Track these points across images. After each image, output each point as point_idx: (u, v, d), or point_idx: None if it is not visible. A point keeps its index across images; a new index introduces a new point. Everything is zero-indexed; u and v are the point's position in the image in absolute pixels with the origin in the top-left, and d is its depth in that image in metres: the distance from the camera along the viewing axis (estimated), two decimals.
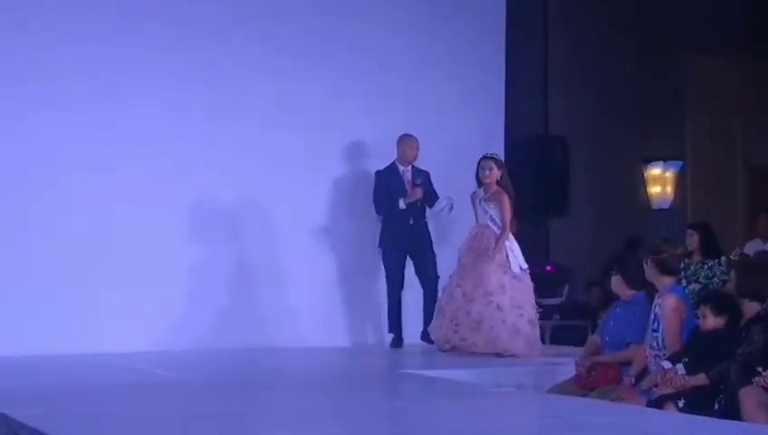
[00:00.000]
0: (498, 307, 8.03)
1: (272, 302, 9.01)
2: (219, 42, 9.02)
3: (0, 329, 8.07)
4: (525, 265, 8.28)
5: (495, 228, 8.24)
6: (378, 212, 9.16)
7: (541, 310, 8.39)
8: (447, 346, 8.24)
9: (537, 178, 10.53)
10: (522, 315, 8.09)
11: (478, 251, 8.21)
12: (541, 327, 9.57)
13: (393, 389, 6.79)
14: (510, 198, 8.27)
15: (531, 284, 8.30)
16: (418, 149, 9.09)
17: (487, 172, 8.30)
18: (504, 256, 8.18)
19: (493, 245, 8.17)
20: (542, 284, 9.87)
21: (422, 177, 9.03)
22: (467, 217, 8.56)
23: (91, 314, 8.37)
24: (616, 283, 6.70)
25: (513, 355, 7.90)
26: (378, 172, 9.14)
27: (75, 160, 8.46)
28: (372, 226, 9.20)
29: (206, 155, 8.86)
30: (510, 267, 8.16)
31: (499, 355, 7.90)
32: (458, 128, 9.41)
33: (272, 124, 9.09)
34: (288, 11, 9.28)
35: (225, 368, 7.75)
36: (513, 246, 8.26)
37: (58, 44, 8.51)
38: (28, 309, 8.23)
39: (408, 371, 7.31)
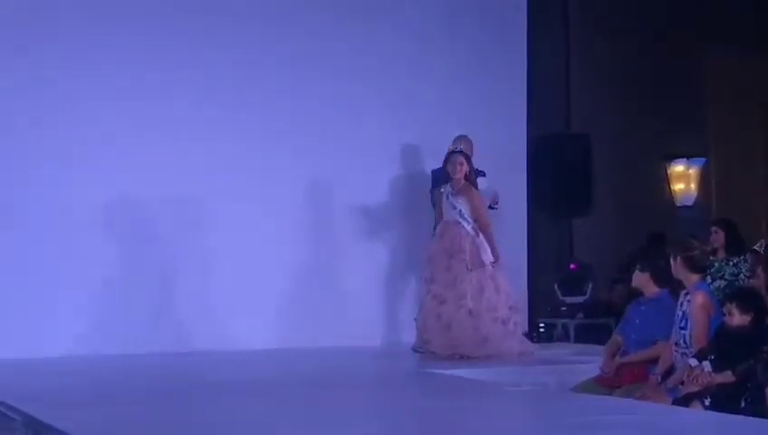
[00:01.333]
0: (470, 313, 7.82)
1: (318, 301, 8.99)
2: (263, 40, 9.08)
3: (24, 331, 8.10)
4: (492, 258, 7.99)
5: (465, 224, 7.98)
6: (434, 206, 9.19)
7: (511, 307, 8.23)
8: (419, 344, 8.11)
9: (560, 177, 10.48)
10: (496, 319, 7.88)
11: (450, 251, 7.95)
12: (565, 326, 9.62)
13: (418, 388, 6.76)
14: (478, 192, 8.10)
15: (504, 275, 8.05)
16: (468, 148, 9.10)
17: (458, 167, 8.07)
18: (476, 254, 7.90)
19: (466, 245, 7.90)
20: (566, 282, 9.88)
21: (478, 176, 9.07)
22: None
23: (117, 315, 8.40)
24: (642, 279, 6.63)
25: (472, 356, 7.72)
26: (433, 171, 9.19)
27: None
28: (423, 225, 9.21)
29: (256, 155, 8.88)
30: (480, 264, 7.89)
31: (460, 357, 7.71)
32: (481, 128, 9.36)
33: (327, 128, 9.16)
34: (320, 19, 9.32)
35: (262, 369, 7.76)
36: (482, 243, 8.00)
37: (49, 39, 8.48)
38: (49, 311, 8.25)
39: (432, 370, 7.28)
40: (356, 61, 9.38)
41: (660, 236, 10.72)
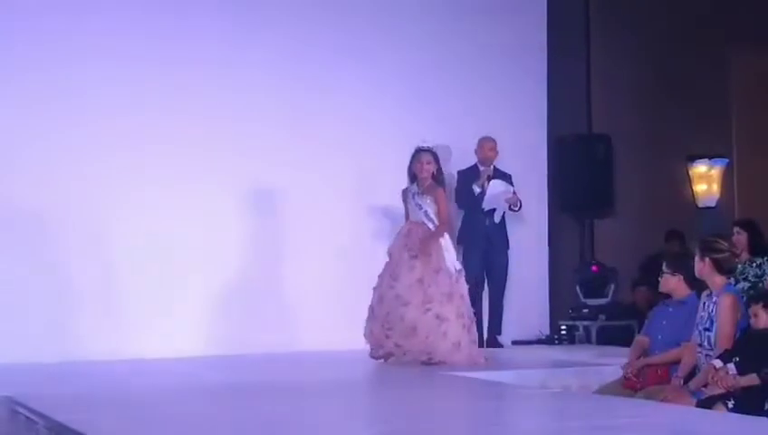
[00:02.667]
0: (438, 317, 7.57)
1: (344, 302, 8.86)
2: (281, 40, 9.14)
3: (45, 335, 8.13)
4: (459, 266, 7.84)
5: (431, 225, 7.79)
6: (460, 207, 9.19)
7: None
8: (381, 352, 7.77)
9: (581, 178, 10.45)
10: (463, 326, 7.66)
11: (414, 252, 7.70)
12: (587, 328, 9.59)
13: (437, 390, 6.73)
14: (444, 192, 7.91)
15: (465, 285, 7.82)
16: (493, 150, 9.12)
17: (425, 166, 7.82)
18: (440, 256, 7.69)
19: (430, 245, 7.70)
20: (588, 284, 9.84)
21: (504, 178, 9.07)
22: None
23: (132, 318, 8.42)
24: (672, 282, 6.58)
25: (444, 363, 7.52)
26: (460, 172, 9.21)
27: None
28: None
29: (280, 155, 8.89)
30: (446, 268, 7.68)
31: (433, 363, 7.52)
32: (502, 129, 9.37)
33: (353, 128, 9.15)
34: (343, 19, 9.35)
35: (282, 371, 7.76)
36: (447, 245, 7.80)
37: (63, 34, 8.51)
38: (67, 315, 8.28)
39: (453, 373, 7.26)
40: (378, 62, 9.41)
41: (677, 234, 10.69)
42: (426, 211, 7.80)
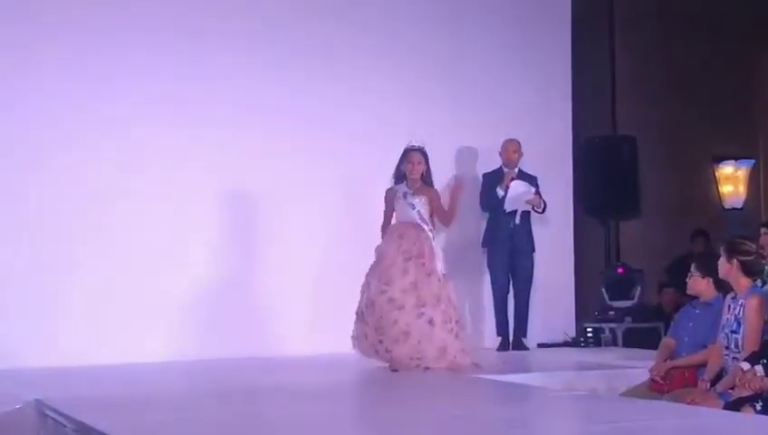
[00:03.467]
0: (430, 322, 7.40)
1: (328, 306, 8.71)
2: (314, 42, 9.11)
3: (73, 339, 8.18)
4: (445, 271, 7.68)
5: (425, 226, 7.63)
6: (484, 210, 9.20)
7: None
8: (376, 356, 7.57)
9: (607, 180, 10.42)
10: (451, 330, 7.48)
11: (408, 254, 7.51)
12: (613, 330, 9.56)
13: (460, 394, 6.73)
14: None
15: (453, 289, 7.68)
16: (517, 152, 9.10)
17: (416, 166, 7.65)
18: (433, 259, 7.54)
19: (426, 249, 7.53)
20: (614, 286, 9.81)
21: (528, 180, 9.08)
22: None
23: (159, 320, 8.46)
24: (702, 285, 6.55)
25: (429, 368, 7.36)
26: (485, 174, 9.21)
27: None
28: (476, 227, 9.25)
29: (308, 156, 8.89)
30: (437, 272, 7.53)
31: (425, 368, 7.35)
32: (527, 130, 9.36)
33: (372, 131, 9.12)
34: (369, 19, 9.36)
35: (321, 372, 7.80)
36: (437, 249, 7.68)
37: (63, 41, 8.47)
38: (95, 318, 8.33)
39: (481, 376, 7.26)
40: (404, 64, 9.40)
41: (702, 233, 10.65)
42: (419, 211, 7.64)
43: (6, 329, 8.03)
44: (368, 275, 7.61)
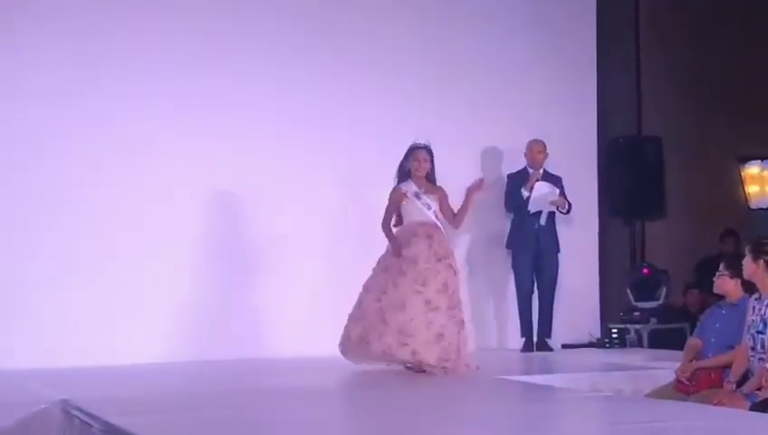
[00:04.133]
0: (462, 323, 7.37)
1: (326, 308, 8.60)
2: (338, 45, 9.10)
3: (98, 338, 8.22)
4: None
5: (441, 226, 7.52)
6: (508, 211, 9.19)
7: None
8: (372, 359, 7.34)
9: (632, 180, 10.38)
10: (459, 332, 7.36)
11: (439, 255, 7.36)
12: (638, 331, 9.52)
13: (487, 394, 6.72)
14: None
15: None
16: (542, 152, 9.08)
17: (423, 163, 7.51)
18: (454, 258, 7.48)
19: (450, 249, 7.49)
20: (639, 287, 9.77)
21: (553, 181, 9.07)
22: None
23: (182, 322, 8.50)
24: (730, 285, 6.51)
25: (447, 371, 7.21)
26: (509, 175, 9.19)
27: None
28: (501, 228, 9.25)
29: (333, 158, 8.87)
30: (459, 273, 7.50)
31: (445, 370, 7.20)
32: (551, 131, 9.34)
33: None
34: (397, 23, 9.36)
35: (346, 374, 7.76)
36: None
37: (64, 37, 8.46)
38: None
39: (505, 376, 7.25)
40: (427, 63, 9.39)
41: (733, 233, 10.58)
42: (434, 211, 7.51)
43: (31, 329, 8.07)
44: (381, 278, 7.36)
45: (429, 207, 7.49)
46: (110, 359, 7.98)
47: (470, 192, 7.59)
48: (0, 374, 7.38)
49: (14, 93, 8.32)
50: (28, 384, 7.02)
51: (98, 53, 8.51)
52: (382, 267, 7.45)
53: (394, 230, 7.57)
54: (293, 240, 8.73)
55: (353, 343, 7.43)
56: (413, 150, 7.55)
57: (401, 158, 7.66)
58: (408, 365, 7.34)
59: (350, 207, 8.87)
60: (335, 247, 8.80)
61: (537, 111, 9.57)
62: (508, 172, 9.28)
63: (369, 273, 7.57)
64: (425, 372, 7.26)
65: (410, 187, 7.52)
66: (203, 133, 8.67)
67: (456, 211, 7.63)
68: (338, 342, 7.56)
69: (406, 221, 7.54)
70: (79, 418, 5.78)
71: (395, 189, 7.56)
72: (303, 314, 8.66)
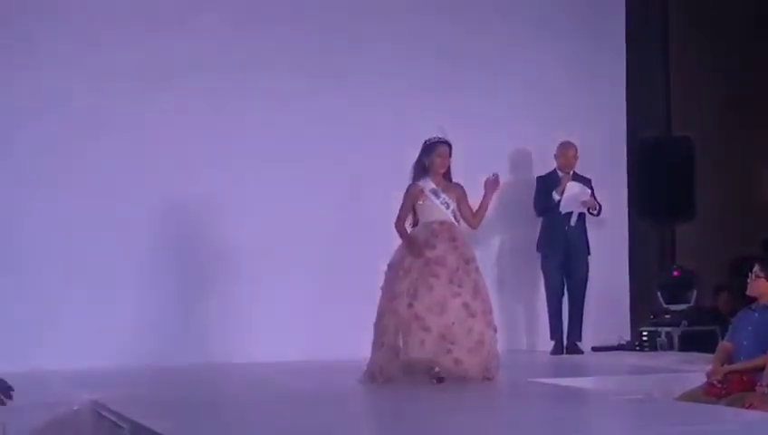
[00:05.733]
0: (495, 329, 6.98)
1: (333, 312, 8.71)
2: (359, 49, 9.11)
3: (129, 339, 8.27)
4: None
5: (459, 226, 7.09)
6: (538, 214, 9.15)
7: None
8: (435, 370, 6.73)
9: (661, 181, 10.31)
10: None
11: (465, 257, 6.94)
12: (668, 334, 9.47)
13: (520, 398, 6.70)
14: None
15: None
16: (575, 156, 9.06)
17: (445, 160, 7.01)
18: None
19: (473, 250, 7.05)
20: (669, 289, 9.71)
21: (583, 183, 9.03)
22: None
23: (213, 323, 8.54)
24: (765, 287, 6.46)
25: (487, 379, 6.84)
26: (539, 177, 9.16)
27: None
28: (531, 230, 9.21)
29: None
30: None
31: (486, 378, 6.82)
32: (580, 132, 9.30)
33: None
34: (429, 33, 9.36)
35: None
36: None
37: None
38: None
39: (535, 379, 7.23)
40: (455, 65, 9.38)
41: None
42: (453, 210, 7.04)
43: (61, 330, 8.13)
44: (404, 280, 6.85)
45: (448, 206, 7.03)
46: (142, 359, 8.03)
47: (489, 189, 7.12)
48: (32, 375, 7.42)
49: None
50: (58, 385, 7.06)
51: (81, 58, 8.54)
52: (404, 269, 6.90)
53: (409, 230, 7.10)
54: (287, 243, 8.76)
55: (384, 358, 6.87)
56: (434, 145, 7.03)
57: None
58: (436, 378, 6.78)
59: (348, 209, 8.89)
60: (332, 251, 8.82)
61: (566, 113, 9.55)
62: (537, 175, 9.25)
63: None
64: (444, 380, 6.77)
65: (428, 184, 7.03)
66: (198, 136, 8.71)
67: (474, 211, 7.16)
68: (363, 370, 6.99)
69: (422, 220, 7.06)
70: (109, 419, 5.81)
71: (412, 186, 7.07)
72: (303, 317, 8.67)
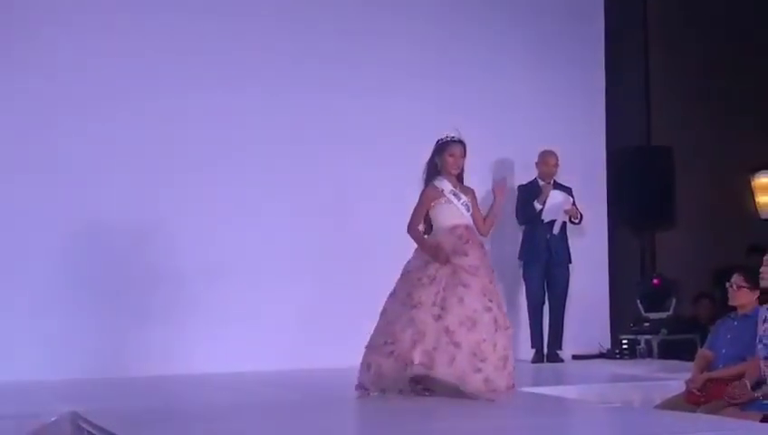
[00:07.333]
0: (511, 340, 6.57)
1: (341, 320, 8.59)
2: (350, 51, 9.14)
3: (108, 351, 8.24)
4: None
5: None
6: (520, 223, 9.16)
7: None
8: (466, 387, 6.22)
9: (641, 190, 10.36)
10: None
11: (485, 263, 6.52)
12: (648, 342, 9.50)
13: (505, 406, 6.68)
14: None
15: None
16: (556, 164, 9.08)
17: (459, 160, 6.56)
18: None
19: (486, 255, 6.54)
20: (649, 297, 9.75)
21: (563, 191, 9.07)
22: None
23: (195, 333, 8.50)
24: (751, 297, 6.48)
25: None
26: (520, 186, 9.18)
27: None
28: (512, 239, 9.22)
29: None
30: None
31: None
32: (560, 141, 9.32)
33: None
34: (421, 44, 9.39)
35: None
36: None
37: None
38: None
39: (519, 388, 7.22)
40: (435, 75, 9.39)
41: (759, 249, 10.51)
42: (472, 213, 6.59)
43: (44, 340, 8.09)
44: (430, 289, 6.32)
45: (468, 209, 6.52)
46: (121, 371, 8.00)
47: (498, 193, 6.71)
48: (11, 386, 7.38)
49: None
50: (38, 396, 7.03)
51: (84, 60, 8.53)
52: (429, 277, 6.35)
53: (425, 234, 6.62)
54: (287, 252, 8.73)
55: (391, 368, 6.33)
56: (448, 144, 6.55)
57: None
58: (424, 390, 6.42)
59: (347, 213, 8.86)
60: (330, 258, 8.78)
61: (546, 122, 9.57)
62: (518, 183, 9.27)
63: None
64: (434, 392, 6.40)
65: (446, 185, 6.53)
66: (198, 143, 8.69)
67: (484, 216, 6.70)
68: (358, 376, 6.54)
69: (438, 224, 6.55)
70: (88, 431, 5.78)
71: (430, 187, 6.56)
72: (303, 325, 8.65)
